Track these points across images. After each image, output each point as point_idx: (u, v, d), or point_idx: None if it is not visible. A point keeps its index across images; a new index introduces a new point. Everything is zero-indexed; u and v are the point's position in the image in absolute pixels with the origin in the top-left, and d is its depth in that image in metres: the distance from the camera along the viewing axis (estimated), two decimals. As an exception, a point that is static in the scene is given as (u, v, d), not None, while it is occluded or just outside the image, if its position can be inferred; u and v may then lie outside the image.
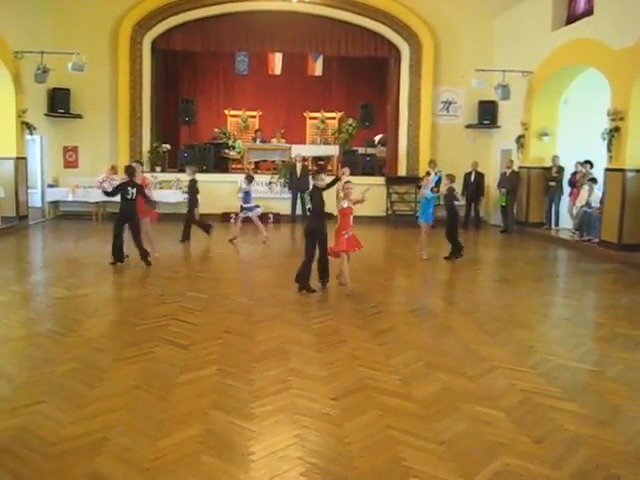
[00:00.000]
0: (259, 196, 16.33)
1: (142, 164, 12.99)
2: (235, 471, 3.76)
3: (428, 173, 16.60)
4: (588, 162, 14.15)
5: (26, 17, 15.24)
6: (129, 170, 10.59)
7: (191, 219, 13.20)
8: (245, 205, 13.05)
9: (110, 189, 11.09)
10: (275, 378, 5.30)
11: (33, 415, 4.47)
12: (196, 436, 4.20)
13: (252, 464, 3.84)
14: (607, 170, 12.62)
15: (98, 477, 3.66)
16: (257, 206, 13.35)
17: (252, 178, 13.40)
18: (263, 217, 15.78)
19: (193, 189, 13.11)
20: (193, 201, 13.11)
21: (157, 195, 16.40)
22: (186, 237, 13.06)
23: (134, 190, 10.28)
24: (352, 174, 17.71)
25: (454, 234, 11.43)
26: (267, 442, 4.13)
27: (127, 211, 10.36)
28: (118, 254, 10.37)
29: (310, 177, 8.52)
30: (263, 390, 5.02)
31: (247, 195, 13.04)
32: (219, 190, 16.29)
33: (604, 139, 12.49)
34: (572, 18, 14.39)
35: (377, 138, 20.03)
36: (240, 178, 13.91)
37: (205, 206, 16.51)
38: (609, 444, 4.23)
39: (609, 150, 12.41)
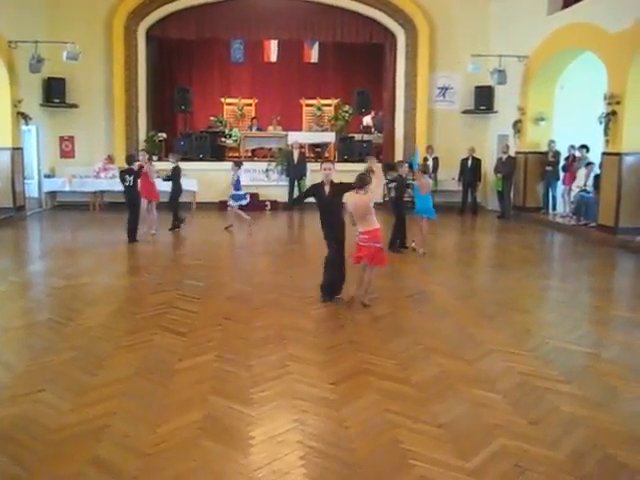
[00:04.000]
0: (256, 184, 16.41)
1: (140, 152, 13.10)
2: (235, 455, 3.80)
3: (426, 159, 16.70)
4: (584, 147, 14.15)
5: (20, 6, 15.11)
6: (128, 159, 11.52)
7: (175, 206, 13.16)
8: (234, 192, 13.04)
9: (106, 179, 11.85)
10: (274, 363, 5.34)
11: (34, 403, 4.50)
12: (196, 421, 4.23)
13: (252, 448, 3.88)
14: (604, 154, 12.63)
15: (99, 463, 3.70)
16: (245, 195, 13.32)
17: (240, 164, 13.42)
18: (260, 204, 15.83)
19: (178, 176, 13.03)
20: (177, 189, 13.04)
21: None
22: (177, 225, 13.06)
23: (131, 178, 11.20)
24: (348, 160, 17.82)
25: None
26: (266, 427, 4.17)
27: (127, 197, 11.40)
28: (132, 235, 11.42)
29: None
30: (262, 375, 5.06)
31: (237, 182, 13.04)
32: (216, 178, 16.27)
33: (601, 123, 12.47)
34: (568, 2, 14.33)
35: (365, 120, 19.91)
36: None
37: (202, 194, 16.61)
38: (605, 425, 4.27)
39: (606, 134, 12.39)
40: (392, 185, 10.87)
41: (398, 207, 11.02)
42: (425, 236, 10.94)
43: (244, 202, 13.26)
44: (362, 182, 7.09)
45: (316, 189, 7.39)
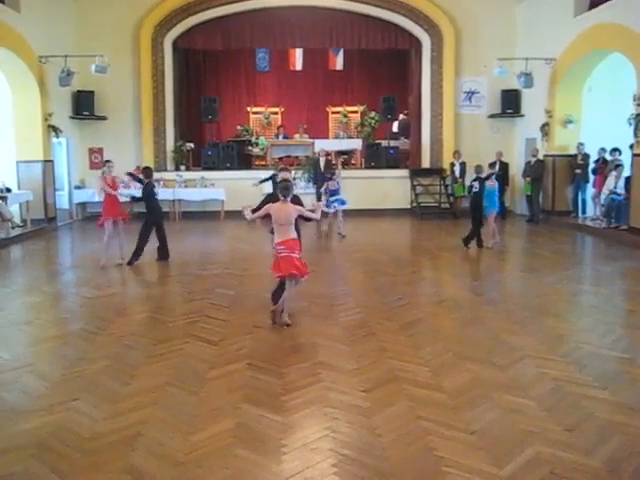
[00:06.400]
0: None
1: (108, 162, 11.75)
2: (268, 463, 3.80)
3: (452, 164, 16.63)
4: (616, 150, 13.91)
5: (49, 22, 15.43)
6: (148, 172, 10.91)
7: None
8: (332, 198, 13.23)
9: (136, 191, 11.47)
10: (305, 371, 5.34)
11: (68, 412, 4.56)
12: (228, 430, 4.24)
13: (284, 456, 3.88)
14: (634, 156, 12.46)
15: (134, 471, 3.72)
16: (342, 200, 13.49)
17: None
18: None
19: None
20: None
21: (183, 193, 16.72)
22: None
23: (158, 190, 10.92)
24: (375, 167, 17.81)
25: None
26: (299, 434, 4.17)
27: (160, 211, 10.92)
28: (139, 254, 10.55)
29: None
30: (294, 383, 5.06)
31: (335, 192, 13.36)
32: (243, 187, 16.33)
33: (630, 124, 12.32)
34: (594, 3, 14.20)
35: (395, 124, 19.89)
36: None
37: (230, 203, 16.71)
38: (642, 431, 4.20)
39: (635, 135, 12.25)
40: (474, 183, 11.54)
41: (480, 208, 11.61)
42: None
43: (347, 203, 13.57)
44: (287, 191, 6.71)
45: (271, 200, 7.04)
